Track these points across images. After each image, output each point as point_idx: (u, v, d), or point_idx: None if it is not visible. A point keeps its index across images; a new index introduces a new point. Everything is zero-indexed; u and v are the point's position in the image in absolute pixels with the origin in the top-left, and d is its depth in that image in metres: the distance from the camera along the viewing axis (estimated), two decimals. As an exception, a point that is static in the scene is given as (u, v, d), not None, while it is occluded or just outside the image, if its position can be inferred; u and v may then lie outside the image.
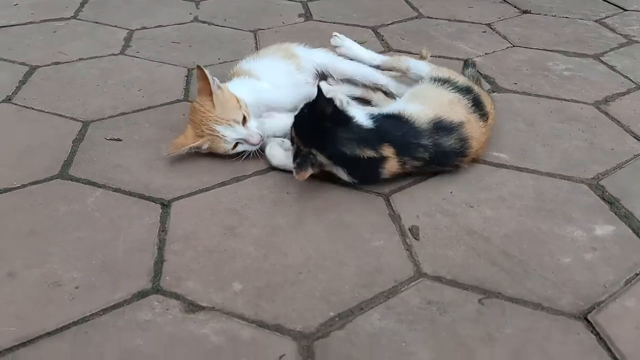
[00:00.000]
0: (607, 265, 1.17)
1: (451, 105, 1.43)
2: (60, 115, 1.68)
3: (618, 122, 1.72)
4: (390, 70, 1.72)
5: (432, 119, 1.37)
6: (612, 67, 2.11)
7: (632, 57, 2.20)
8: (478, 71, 1.84)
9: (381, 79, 1.73)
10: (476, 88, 1.54)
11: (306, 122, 1.34)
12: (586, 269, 1.16)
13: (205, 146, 1.44)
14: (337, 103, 1.35)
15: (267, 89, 1.59)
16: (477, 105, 1.45)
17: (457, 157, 1.40)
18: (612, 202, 1.36)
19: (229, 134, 1.42)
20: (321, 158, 1.30)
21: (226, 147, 1.44)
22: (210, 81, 1.42)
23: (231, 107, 1.44)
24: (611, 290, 1.10)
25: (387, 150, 1.32)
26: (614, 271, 1.15)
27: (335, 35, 1.81)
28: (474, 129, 1.41)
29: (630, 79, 2.01)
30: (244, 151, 1.46)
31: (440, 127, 1.37)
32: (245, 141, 1.45)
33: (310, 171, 1.28)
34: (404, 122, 1.37)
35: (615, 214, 1.32)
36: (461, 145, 1.38)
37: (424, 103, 1.43)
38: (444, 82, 1.51)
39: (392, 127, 1.35)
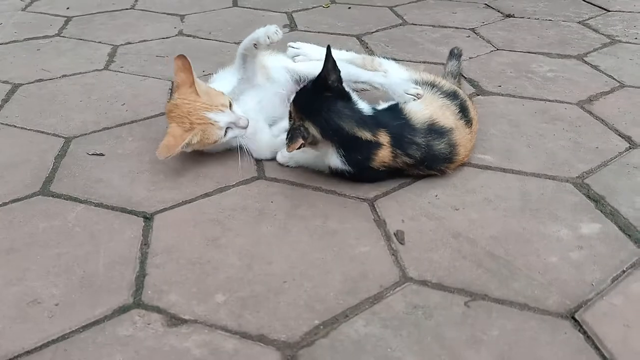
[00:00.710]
0: (594, 263, 1.16)
1: (442, 110, 1.43)
2: (42, 132, 1.67)
3: (602, 120, 1.72)
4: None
5: (427, 120, 1.38)
6: (595, 67, 2.12)
7: (615, 57, 2.21)
8: (460, 69, 1.82)
9: (364, 75, 1.60)
10: (461, 93, 1.53)
11: (306, 94, 1.34)
12: (573, 267, 1.15)
13: (195, 139, 1.40)
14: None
15: None
16: (463, 111, 1.45)
17: (445, 162, 1.39)
18: (597, 200, 1.35)
19: (221, 119, 1.40)
20: (313, 131, 1.28)
21: (219, 133, 1.41)
22: (193, 73, 1.42)
23: (215, 94, 1.44)
24: (598, 288, 1.09)
25: (383, 138, 1.31)
26: (600, 269, 1.14)
27: (289, 46, 1.70)
28: (462, 136, 1.41)
29: (614, 78, 2.02)
30: (237, 151, 1.46)
31: (434, 129, 1.37)
32: (235, 124, 1.43)
33: (300, 141, 1.26)
34: (402, 116, 1.38)
35: (601, 211, 1.32)
36: (450, 151, 1.38)
37: (422, 102, 1.44)
38: (431, 86, 1.51)
39: (390, 117, 1.36)
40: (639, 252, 1.19)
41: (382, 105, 1.45)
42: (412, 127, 1.35)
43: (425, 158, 1.36)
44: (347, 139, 1.30)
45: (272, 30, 1.49)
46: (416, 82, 1.51)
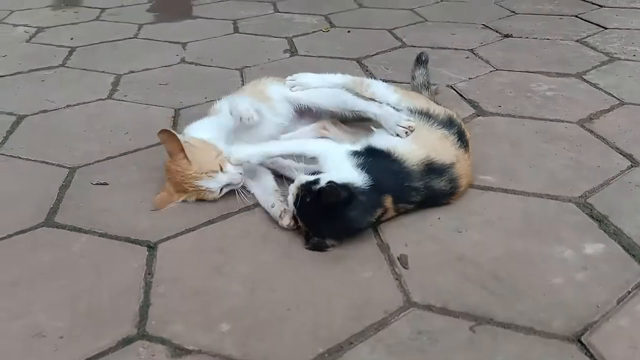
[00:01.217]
0: (599, 284, 1.15)
1: (441, 143, 1.40)
2: (47, 163, 1.69)
3: (603, 139, 1.72)
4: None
5: (422, 160, 1.34)
6: (595, 85, 2.13)
7: (614, 74, 2.22)
8: (429, 77, 1.82)
9: (360, 105, 1.56)
10: (455, 117, 1.51)
11: (316, 213, 1.26)
12: (578, 289, 1.14)
13: (191, 199, 1.45)
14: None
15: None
16: (461, 137, 1.45)
17: (447, 197, 1.39)
18: (600, 220, 1.35)
19: (212, 185, 1.42)
20: (331, 241, 1.28)
21: (213, 195, 1.44)
22: (180, 139, 1.40)
23: (207, 159, 1.42)
24: (604, 310, 1.09)
25: (388, 201, 1.30)
26: (606, 290, 1.13)
27: (287, 79, 1.71)
28: (463, 166, 1.40)
29: (613, 96, 2.03)
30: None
31: (432, 169, 1.34)
32: (229, 185, 1.45)
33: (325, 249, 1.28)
34: (395, 162, 1.33)
35: (605, 231, 1.31)
36: (451, 186, 1.38)
37: (414, 140, 1.39)
38: (427, 117, 1.46)
39: (386, 174, 1.31)
40: (644, 271, 1.18)
41: (372, 140, 1.41)
42: (407, 172, 1.32)
43: (426, 199, 1.36)
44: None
45: (245, 115, 1.48)
46: (409, 110, 1.48)
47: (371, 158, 1.33)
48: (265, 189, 1.49)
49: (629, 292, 1.13)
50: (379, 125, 1.48)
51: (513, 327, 1.06)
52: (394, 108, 1.48)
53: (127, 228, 1.38)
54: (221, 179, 1.43)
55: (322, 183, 1.26)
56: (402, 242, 1.31)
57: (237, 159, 1.44)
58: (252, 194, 1.49)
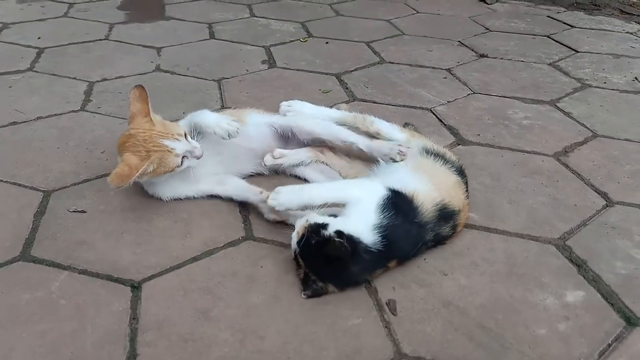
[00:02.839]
0: (581, 335, 1.19)
1: (456, 188, 1.41)
2: (20, 185, 1.62)
3: (579, 174, 1.77)
4: (349, 128, 1.66)
5: (437, 204, 1.34)
6: (568, 114, 2.18)
7: (586, 103, 2.29)
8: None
9: (351, 136, 1.63)
10: (463, 168, 1.53)
11: (318, 258, 1.24)
12: (561, 341, 1.18)
13: (151, 167, 1.39)
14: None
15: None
16: (467, 188, 1.47)
17: (446, 239, 1.41)
18: (579, 265, 1.39)
19: (178, 146, 1.42)
20: (332, 288, 1.27)
21: (176, 161, 1.42)
22: (148, 102, 1.44)
23: (170, 124, 1.47)
24: (586, 364, 1.12)
25: (392, 264, 1.31)
26: (587, 342, 1.17)
27: (282, 104, 1.75)
28: (463, 216, 1.42)
29: (586, 127, 2.09)
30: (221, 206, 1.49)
31: (443, 215, 1.34)
32: (191, 154, 1.45)
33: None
34: (415, 219, 1.30)
35: (584, 277, 1.36)
36: (452, 232, 1.40)
37: (431, 180, 1.37)
38: (442, 158, 1.47)
39: (402, 240, 1.28)
40: (622, 322, 1.23)
41: (393, 180, 1.38)
42: (424, 228, 1.31)
43: (430, 246, 1.38)
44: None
45: (223, 130, 1.50)
46: (424, 150, 1.49)
47: (396, 218, 1.27)
48: (243, 188, 1.55)
49: (609, 345, 1.17)
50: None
51: (501, 383, 1.08)
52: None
53: (109, 264, 1.34)
54: (186, 144, 1.44)
55: (331, 230, 1.23)
56: (390, 284, 1.31)
57: (277, 205, 1.35)
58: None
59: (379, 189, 1.33)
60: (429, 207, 1.32)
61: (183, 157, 1.44)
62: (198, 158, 1.47)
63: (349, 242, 1.20)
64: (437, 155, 1.48)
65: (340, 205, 1.33)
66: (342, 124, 1.67)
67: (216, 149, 1.58)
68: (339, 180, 1.59)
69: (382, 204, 1.28)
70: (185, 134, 1.46)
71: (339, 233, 1.21)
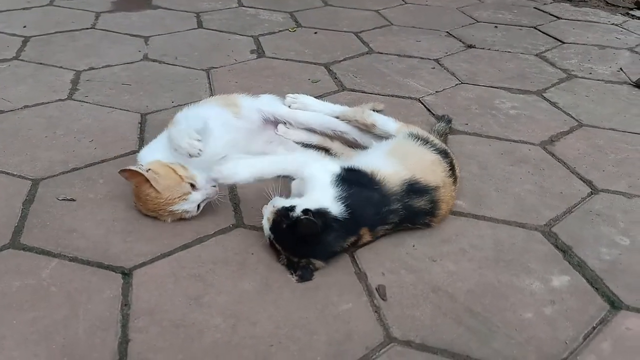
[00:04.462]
0: (566, 319, 1.22)
1: (433, 166, 1.45)
2: (7, 173, 1.61)
3: (564, 163, 1.80)
4: (349, 122, 1.72)
5: (406, 181, 1.38)
6: (554, 104, 2.21)
7: (572, 93, 2.32)
8: (447, 131, 1.89)
9: (341, 126, 1.73)
10: (450, 152, 1.56)
11: (292, 238, 1.29)
12: (547, 324, 1.20)
13: (169, 221, 1.43)
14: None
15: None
16: (452, 169, 1.49)
17: (427, 216, 1.42)
18: (565, 251, 1.42)
19: (188, 206, 1.41)
20: (320, 264, 1.31)
21: (191, 213, 1.43)
22: (144, 173, 1.37)
23: (175, 183, 1.40)
24: (571, 346, 1.15)
25: (363, 231, 1.34)
26: (572, 325, 1.20)
27: (287, 96, 1.79)
28: (447, 193, 1.44)
29: (572, 116, 2.12)
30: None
31: (413, 189, 1.38)
32: (205, 199, 1.45)
33: (313, 274, 1.30)
34: (375, 187, 1.36)
35: (569, 262, 1.38)
36: (431, 207, 1.41)
37: (402, 162, 1.43)
38: (424, 141, 1.52)
39: (364, 206, 1.33)
40: (606, 306, 1.26)
41: (359, 161, 1.45)
42: (386, 195, 1.36)
43: (405, 218, 1.39)
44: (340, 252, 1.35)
45: (192, 151, 1.44)
46: (409, 135, 1.55)
47: (353, 188, 1.34)
48: None
49: (594, 328, 1.19)
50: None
51: (488, 365, 1.11)
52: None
53: (99, 251, 1.34)
54: (196, 198, 1.42)
55: (299, 210, 1.28)
56: (379, 270, 1.33)
57: (224, 178, 1.43)
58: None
59: (330, 166, 1.41)
60: (394, 182, 1.37)
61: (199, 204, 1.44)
62: (214, 197, 1.45)
63: (317, 216, 1.25)
64: (419, 138, 1.53)
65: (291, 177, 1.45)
66: (344, 118, 1.74)
67: (224, 134, 1.60)
68: (292, 155, 1.66)
69: (334, 180, 1.35)
70: (192, 185, 1.41)
71: (306, 211, 1.26)
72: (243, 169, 1.44)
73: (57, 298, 1.20)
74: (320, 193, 1.34)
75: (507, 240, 1.45)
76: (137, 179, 1.39)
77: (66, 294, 1.22)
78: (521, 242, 1.45)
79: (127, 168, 1.38)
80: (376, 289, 1.28)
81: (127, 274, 1.28)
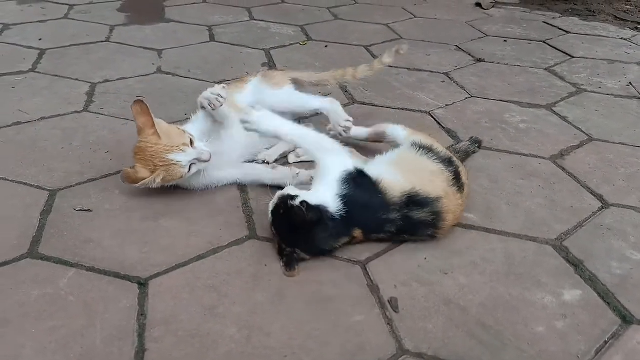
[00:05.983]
0: (578, 333, 1.22)
1: (433, 177, 1.47)
2: (25, 184, 1.64)
3: (575, 177, 1.81)
4: (374, 140, 1.80)
5: (406, 192, 1.40)
6: (564, 118, 2.22)
7: (582, 107, 2.33)
8: (471, 151, 1.91)
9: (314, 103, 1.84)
10: (455, 160, 1.57)
11: (286, 226, 1.37)
12: (559, 338, 1.21)
13: (158, 179, 1.48)
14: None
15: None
16: (457, 178, 1.50)
17: (430, 228, 1.44)
18: (576, 265, 1.43)
19: (183, 158, 1.48)
20: (304, 255, 1.37)
21: (183, 171, 1.49)
22: (151, 113, 1.49)
23: (176, 134, 1.51)
24: (584, 361, 1.16)
25: (357, 232, 1.39)
26: (584, 340, 1.20)
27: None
28: (451, 203, 1.45)
29: (582, 131, 2.13)
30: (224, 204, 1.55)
31: (414, 201, 1.40)
32: (198, 160, 1.51)
33: (297, 269, 1.35)
34: (376, 195, 1.40)
35: (581, 276, 1.39)
36: (433, 219, 1.42)
37: (404, 174, 1.45)
38: (427, 150, 1.54)
39: (363, 209, 1.39)
40: (618, 320, 1.26)
41: (368, 166, 1.49)
42: (386, 204, 1.39)
43: (403, 229, 1.42)
44: (330, 251, 1.41)
45: (213, 97, 1.55)
46: (412, 144, 1.57)
47: (357, 190, 1.40)
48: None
49: (606, 343, 1.20)
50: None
51: (501, 378, 1.11)
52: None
53: (116, 262, 1.36)
54: (191, 153, 1.50)
55: (298, 201, 1.34)
56: (392, 283, 1.34)
57: (252, 120, 1.48)
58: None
59: (348, 162, 1.46)
60: (395, 193, 1.40)
61: (191, 164, 1.50)
62: (207, 161, 1.52)
63: (312, 210, 1.32)
64: (422, 147, 1.56)
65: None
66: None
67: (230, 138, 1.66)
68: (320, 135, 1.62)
69: (344, 177, 1.41)
70: (191, 141, 1.51)
71: (303, 203, 1.33)
72: (270, 121, 1.49)
73: (75, 308, 1.22)
74: (325, 188, 1.41)
75: (519, 254, 1.46)
76: (145, 118, 1.49)
77: (84, 303, 1.24)
78: (532, 255, 1.46)
79: (142, 101, 1.49)
80: (388, 301, 1.29)
81: (143, 284, 1.30)
